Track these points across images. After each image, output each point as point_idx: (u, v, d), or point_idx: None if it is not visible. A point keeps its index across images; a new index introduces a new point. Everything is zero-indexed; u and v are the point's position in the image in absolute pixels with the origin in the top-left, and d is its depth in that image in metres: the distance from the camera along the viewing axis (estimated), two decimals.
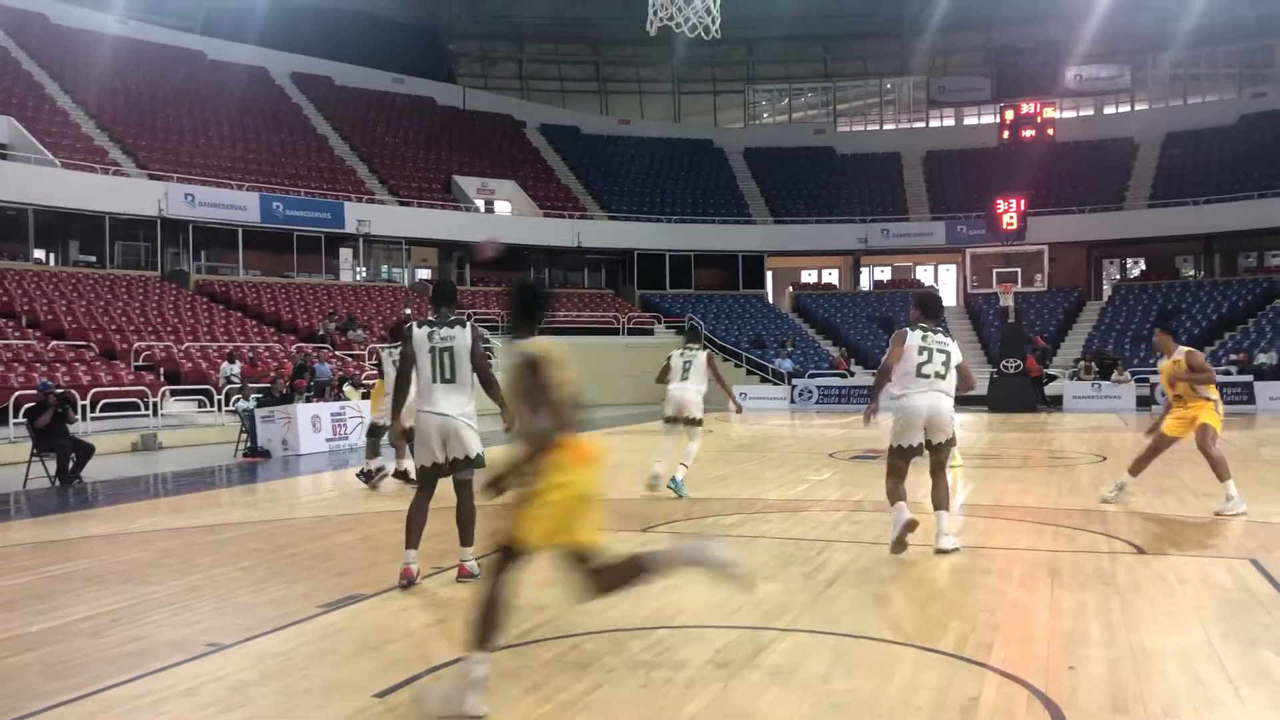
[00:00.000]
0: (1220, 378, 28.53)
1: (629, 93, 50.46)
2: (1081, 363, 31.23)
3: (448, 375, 6.72)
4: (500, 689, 4.64)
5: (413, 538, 6.84)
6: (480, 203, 39.60)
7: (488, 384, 6.77)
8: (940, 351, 7.60)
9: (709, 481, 12.52)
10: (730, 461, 15.25)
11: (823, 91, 50.22)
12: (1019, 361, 28.92)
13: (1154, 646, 5.16)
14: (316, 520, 10.20)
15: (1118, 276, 42.12)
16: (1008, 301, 31.08)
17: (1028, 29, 44.97)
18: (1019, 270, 31.59)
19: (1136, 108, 45.48)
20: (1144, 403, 28.03)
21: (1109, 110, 46.22)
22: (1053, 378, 31.01)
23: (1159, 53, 43.55)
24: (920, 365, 7.53)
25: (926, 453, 7.67)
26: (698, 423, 11.36)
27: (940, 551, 7.48)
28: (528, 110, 46.82)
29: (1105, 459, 14.95)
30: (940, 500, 7.66)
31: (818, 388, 31.94)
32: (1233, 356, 30.52)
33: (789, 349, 35.47)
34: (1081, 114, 46.06)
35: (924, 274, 44.34)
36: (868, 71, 49.45)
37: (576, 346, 25.21)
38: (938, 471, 7.74)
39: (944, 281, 43.55)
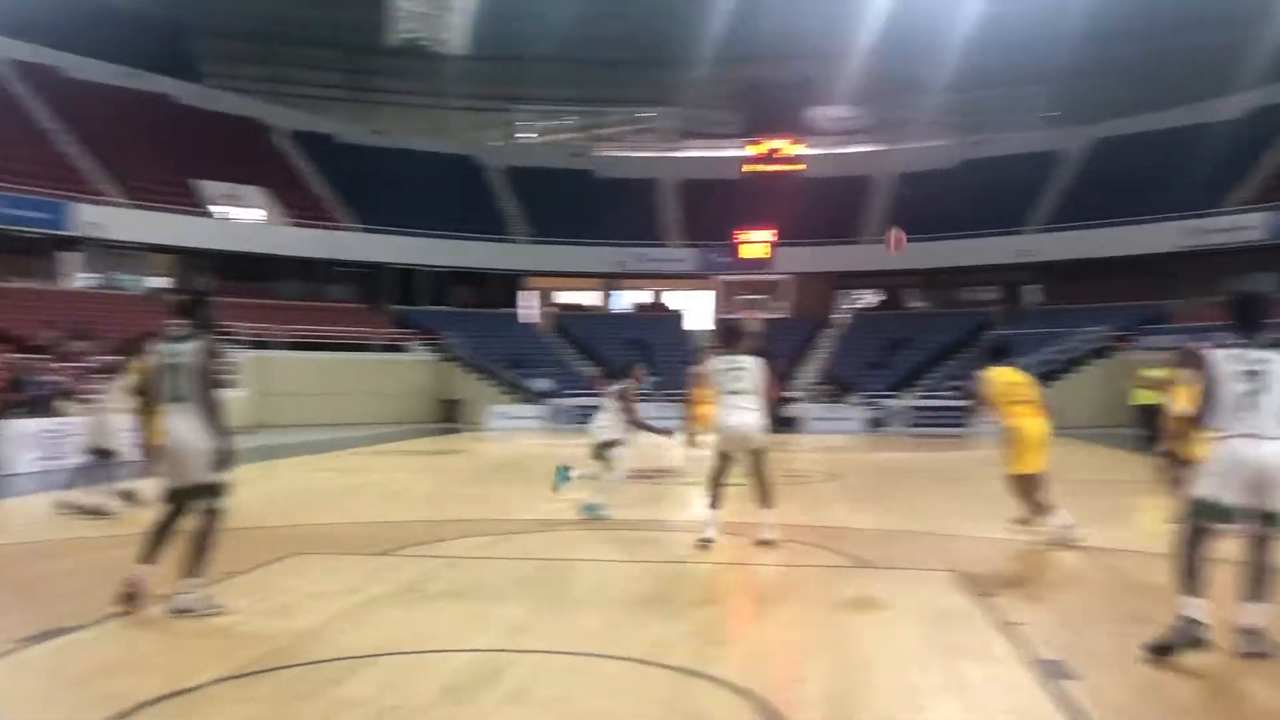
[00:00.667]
0: (945, 402, 31.16)
1: (387, 104, 49.42)
2: (821, 386, 32.98)
3: (177, 394, 6.32)
4: None
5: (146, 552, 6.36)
6: (224, 209, 37.63)
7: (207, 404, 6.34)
8: (739, 370, 8.81)
9: (460, 502, 12.36)
10: (483, 482, 15.10)
11: (584, 115, 50.96)
12: None
13: (868, 658, 5.46)
14: (26, 545, 9.35)
15: (855, 306, 44.81)
16: (754, 327, 32.42)
17: (776, 68, 47.22)
18: (766, 297, 33.07)
19: (873, 148, 48.63)
20: (876, 425, 29.93)
21: (848, 149, 49.17)
22: (793, 400, 32.56)
23: (893, 97, 46.73)
24: (729, 384, 8.74)
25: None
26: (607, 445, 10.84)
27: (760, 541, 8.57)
28: (278, 115, 44.92)
29: (837, 478, 15.76)
30: (766, 500, 8.82)
31: (574, 407, 32.21)
32: (953, 383, 33.03)
33: (545, 369, 35.65)
34: (824, 151, 48.76)
35: (677, 299, 45.64)
36: (628, 99, 50.58)
37: (325, 362, 24.35)
38: (759, 473, 8.83)
39: (698, 307, 44.94)
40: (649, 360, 34.82)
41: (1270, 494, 5.37)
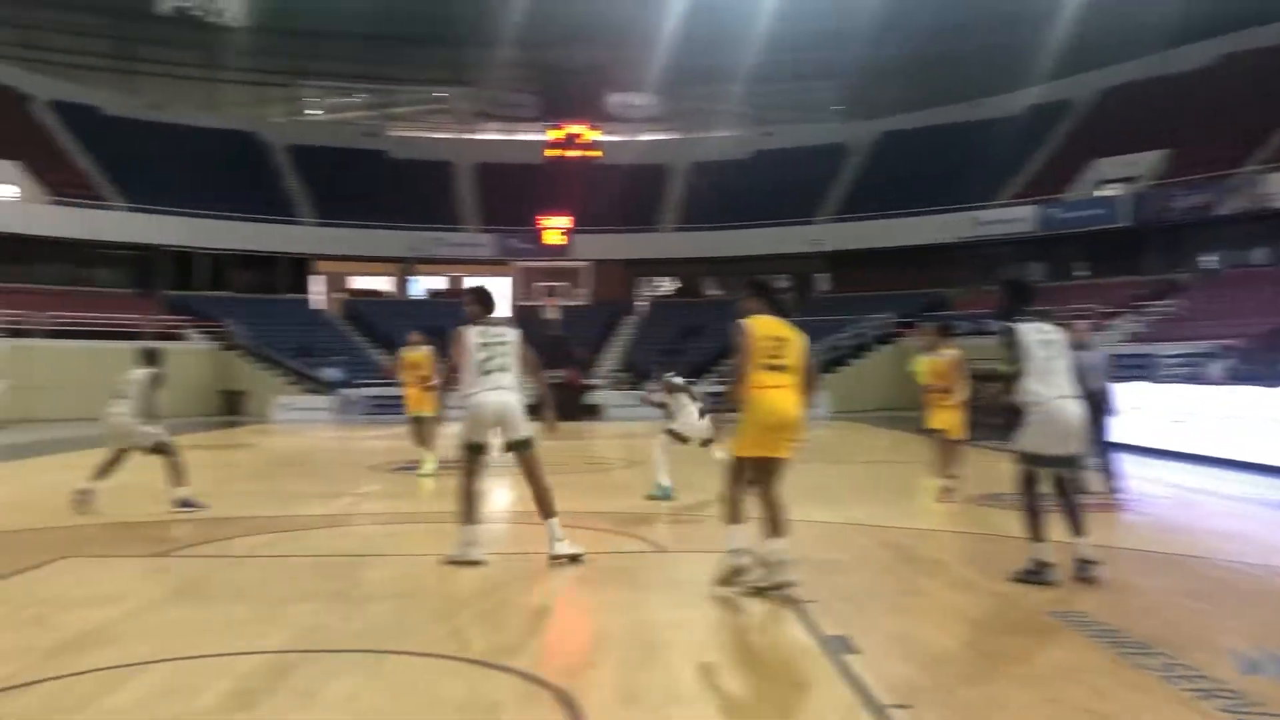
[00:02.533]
0: None
1: (159, 75, 46.44)
2: (620, 374, 33.29)
3: None
4: None
5: None
6: None
7: None
8: (500, 344, 7.54)
9: (239, 498, 11.79)
10: (268, 477, 14.48)
11: (375, 94, 49.52)
12: (562, 372, 30.23)
13: (663, 639, 5.52)
14: None
15: (652, 293, 45.42)
16: (554, 314, 32.44)
17: (575, 52, 47.24)
18: (564, 284, 33.09)
19: (670, 136, 49.39)
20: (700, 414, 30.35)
21: (646, 137, 49.75)
22: (593, 388, 32.76)
23: (689, 86, 47.56)
24: (483, 361, 7.45)
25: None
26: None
27: (555, 558, 7.36)
28: (36, 83, 41.52)
29: (636, 464, 15.92)
30: (545, 506, 7.49)
31: (366, 397, 31.30)
32: None
33: (335, 357, 34.49)
34: (623, 138, 49.15)
35: (474, 284, 45.05)
36: (421, 78, 49.46)
37: (92, 352, 22.78)
38: (529, 476, 7.59)
39: (496, 293, 44.47)
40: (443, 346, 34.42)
41: (1070, 442, 6.82)
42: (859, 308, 36.89)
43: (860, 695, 4.59)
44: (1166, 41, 36.49)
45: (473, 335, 7.52)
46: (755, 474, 6.55)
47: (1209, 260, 32.99)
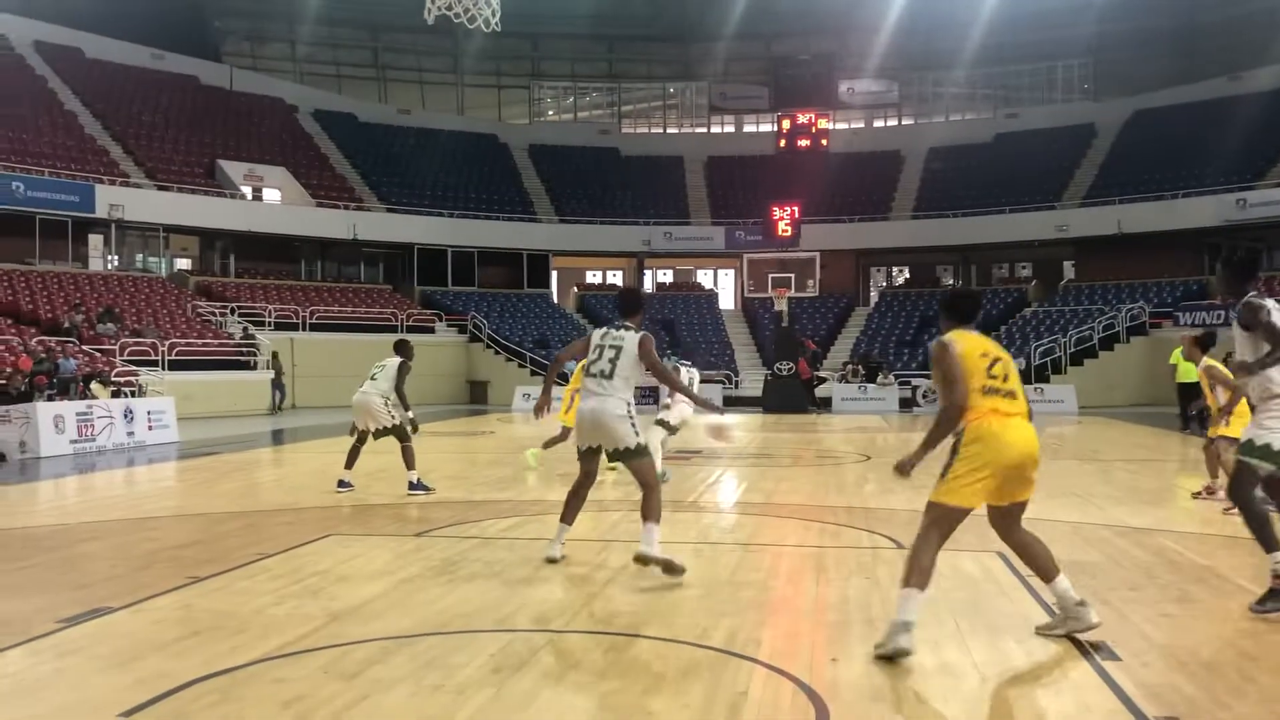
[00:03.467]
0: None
1: (409, 81, 49.34)
2: (849, 366, 32.76)
3: None
4: (260, 702, 4.37)
5: None
6: (247, 190, 37.70)
7: None
8: (612, 348, 6.92)
9: (487, 484, 12.35)
10: (513, 463, 15.10)
11: (608, 92, 50.70)
12: (791, 364, 30.06)
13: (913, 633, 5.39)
14: (56, 529, 9.41)
15: (884, 284, 44.45)
16: (782, 306, 32.28)
17: (804, 42, 46.87)
18: (793, 276, 32.85)
19: (904, 122, 48.14)
20: (906, 405, 29.68)
21: (878, 124, 48.70)
22: (823, 380, 32.39)
23: (924, 71, 46.24)
24: (590, 364, 7.01)
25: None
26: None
27: (639, 557, 6.81)
28: (301, 94, 44.96)
29: (869, 458, 15.66)
30: (647, 511, 6.86)
31: None
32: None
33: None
34: (853, 126, 48.32)
35: (704, 277, 45.46)
36: (652, 75, 50.29)
37: (351, 344, 24.46)
38: (638, 483, 7.05)
39: (724, 286, 44.76)
40: (673, 340, 34.87)
41: None
42: (1108, 296, 34.82)
43: (1124, 703, 4.36)
44: None
45: (594, 337, 7.11)
46: (998, 522, 5.49)
47: None
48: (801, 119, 45.65)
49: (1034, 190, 38.76)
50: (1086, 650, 5.11)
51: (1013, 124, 43.89)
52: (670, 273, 45.88)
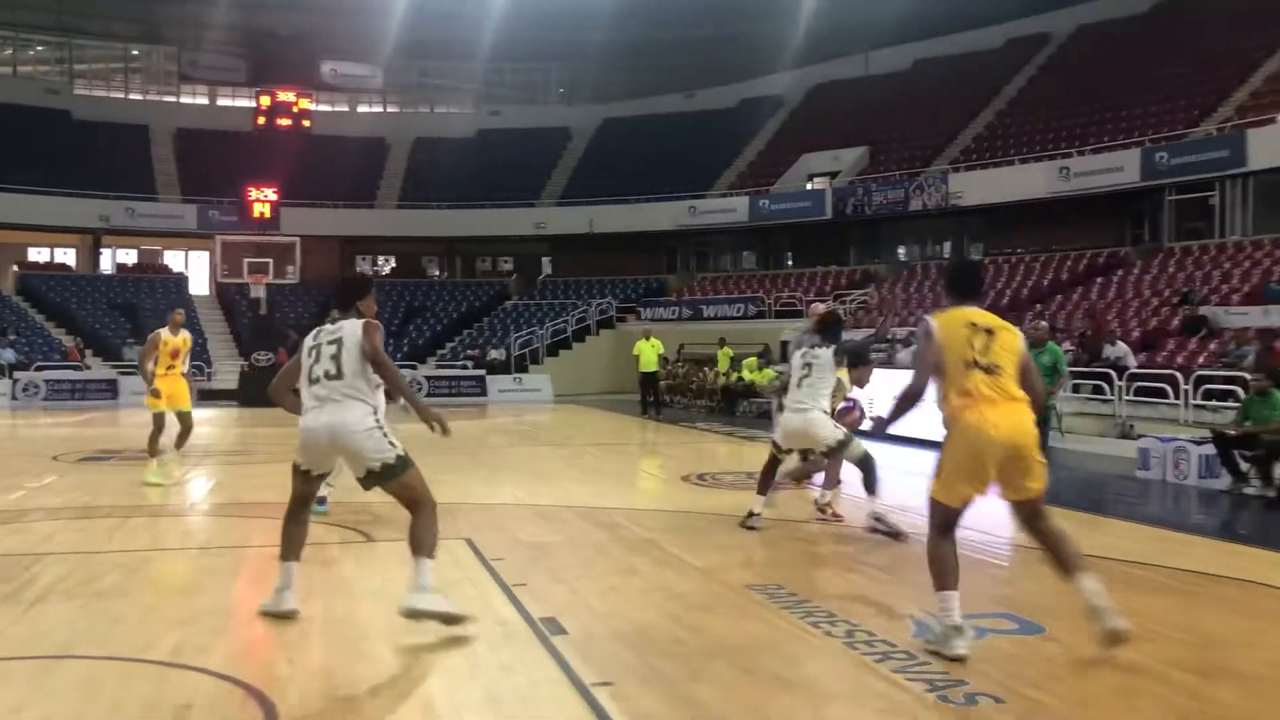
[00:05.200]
0: (458, 372, 31.70)
1: None
2: None
3: None
4: None
5: None
6: None
7: None
8: (331, 343, 5.60)
9: None
10: None
11: (57, 47, 45.09)
12: (271, 355, 28.86)
13: (370, 630, 5.37)
14: None
15: (370, 273, 44.05)
16: (259, 293, 30.86)
17: (287, 16, 44.89)
18: (271, 261, 31.55)
19: (389, 110, 47.94)
20: (390, 396, 29.60)
21: (363, 109, 48.08)
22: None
23: (411, 60, 46.32)
24: (310, 369, 5.62)
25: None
26: None
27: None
28: None
29: None
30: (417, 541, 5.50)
31: (45, 382, 28.55)
32: (469, 352, 33.69)
33: (11, 337, 31.24)
34: (338, 109, 47.24)
35: (174, 259, 42.06)
36: (112, 33, 45.49)
37: None
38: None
39: (196, 269, 41.69)
40: (135, 328, 31.87)
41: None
42: (582, 291, 37.36)
43: (567, 675, 4.65)
44: (868, 44, 39.04)
45: (305, 343, 5.73)
46: (1016, 516, 5.09)
47: (901, 252, 35.80)
48: (282, 97, 43.80)
49: (515, 188, 40.47)
50: (539, 628, 5.39)
51: (496, 121, 45.39)
52: (134, 253, 41.93)
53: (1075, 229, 28.60)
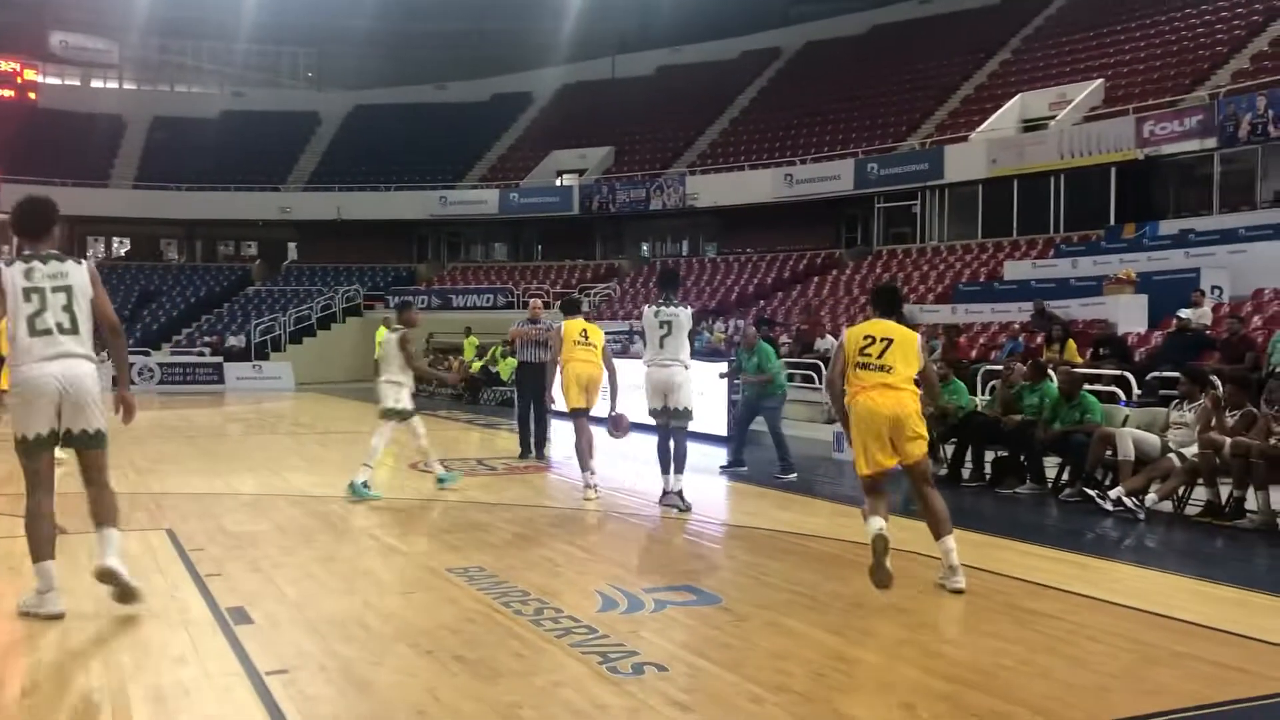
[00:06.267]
0: (194, 360, 30.18)
1: None
2: None
3: None
4: None
5: None
6: None
7: None
8: (59, 290, 5.22)
9: None
10: None
11: None
12: None
13: (38, 627, 5.11)
14: None
15: (102, 254, 41.25)
16: None
17: None
18: None
19: (126, 86, 45.03)
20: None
21: (97, 84, 44.94)
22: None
23: (150, 36, 43.64)
24: (33, 316, 5.18)
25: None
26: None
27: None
28: None
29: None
30: (101, 513, 5.31)
31: None
32: (207, 339, 32.15)
33: None
34: (68, 83, 43.98)
35: None
36: None
37: None
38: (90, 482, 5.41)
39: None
40: None
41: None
42: (329, 278, 36.38)
43: (244, 665, 4.59)
44: (616, 48, 39.87)
45: (14, 276, 5.23)
46: (910, 481, 6.19)
47: (644, 248, 36.85)
48: (5, 66, 40.43)
49: (260, 171, 38.93)
50: (225, 619, 5.29)
51: (240, 103, 43.42)
52: None
53: (797, 231, 30.41)
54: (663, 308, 8.53)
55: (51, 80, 42.71)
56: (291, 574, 6.36)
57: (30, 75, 41.01)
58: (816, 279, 26.96)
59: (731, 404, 13.69)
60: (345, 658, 4.74)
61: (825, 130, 31.92)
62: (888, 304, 6.47)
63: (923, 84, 31.49)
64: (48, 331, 5.16)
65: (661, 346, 8.48)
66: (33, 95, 40.88)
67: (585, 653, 4.79)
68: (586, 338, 9.42)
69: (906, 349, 6.03)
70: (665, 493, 8.71)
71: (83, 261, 5.46)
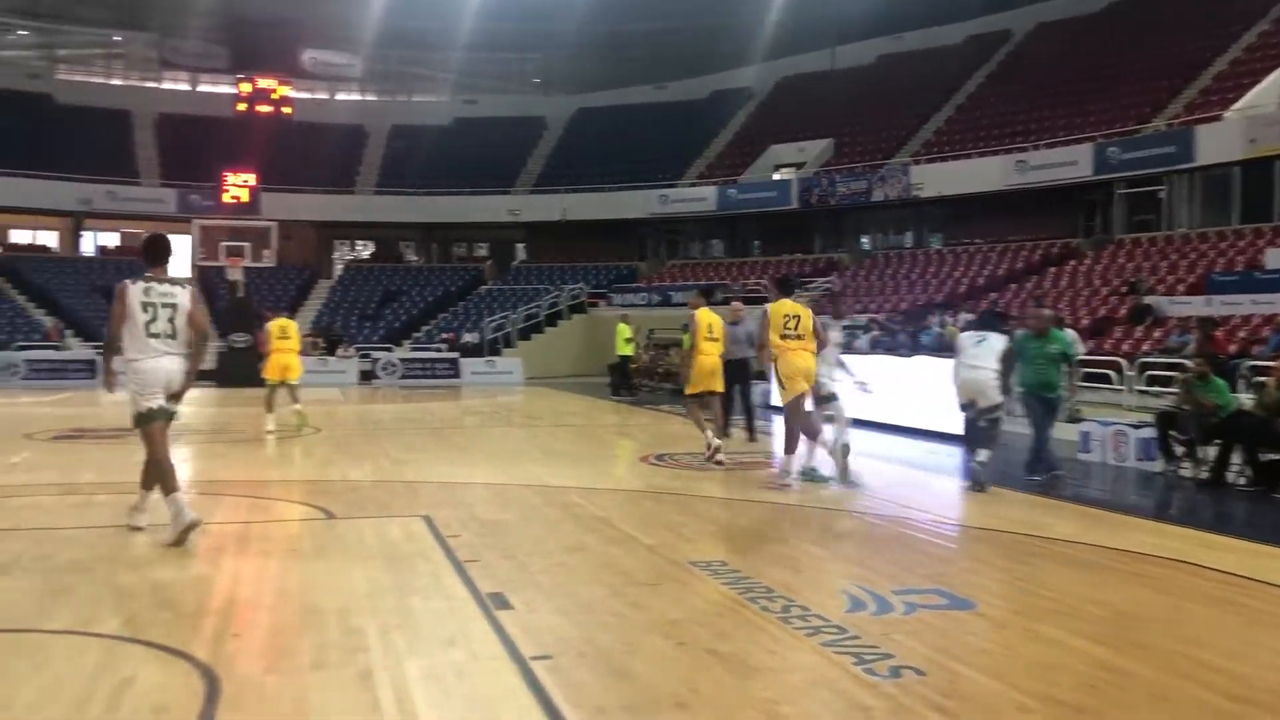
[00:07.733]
0: (433, 355, 31.79)
1: None
2: (309, 338, 32.04)
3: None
4: None
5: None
6: None
7: None
8: (166, 306, 6.85)
9: None
10: None
11: (39, 33, 44.80)
12: (249, 336, 28.85)
13: (320, 604, 5.50)
14: None
15: (348, 257, 44.06)
16: (236, 275, 30.86)
17: (266, 4, 44.73)
18: (249, 245, 31.54)
19: (368, 98, 47.86)
20: (366, 377, 29.80)
21: (342, 96, 47.96)
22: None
23: (389, 49, 46.23)
24: (148, 324, 6.79)
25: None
26: None
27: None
28: None
29: (320, 430, 15.52)
30: (156, 480, 7.05)
31: (25, 361, 28.57)
32: (444, 335, 33.79)
33: None
34: (317, 96, 47.12)
35: None
36: (91, 19, 45.22)
37: None
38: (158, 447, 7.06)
39: (176, 252, 41.49)
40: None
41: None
42: (554, 277, 37.47)
43: (507, 649, 4.79)
44: (834, 39, 39.25)
45: (135, 292, 6.83)
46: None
47: (864, 241, 36.04)
48: (263, 84, 43.74)
49: (490, 175, 40.51)
50: (485, 604, 5.55)
51: (472, 110, 45.38)
52: (117, 235, 41.86)
53: (1030, 220, 29.05)
54: (978, 333, 10.02)
55: (302, 94, 45.87)
56: (542, 562, 6.59)
57: (285, 91, 44.17)
58: (1053, 270, 25.71)
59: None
60: (602, 646, 4.87)
61: (1060, 114, 30.35)
62: (789, 289, 10.06)
63: (1168, 61, 29.46)
64: (156, 336, 6.82)
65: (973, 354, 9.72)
66: (287, 110, 44.00)
67: (838, 653, 4.74)
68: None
69: (807, 322, 9.39)
70: (975, 463, 9.55)
71: (187, 286, 7.16)
